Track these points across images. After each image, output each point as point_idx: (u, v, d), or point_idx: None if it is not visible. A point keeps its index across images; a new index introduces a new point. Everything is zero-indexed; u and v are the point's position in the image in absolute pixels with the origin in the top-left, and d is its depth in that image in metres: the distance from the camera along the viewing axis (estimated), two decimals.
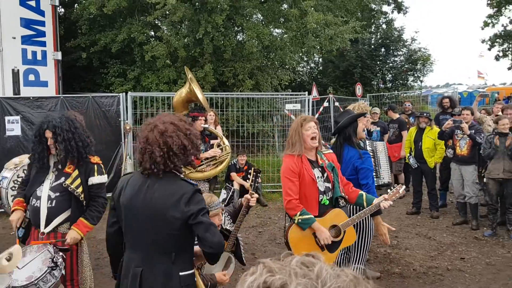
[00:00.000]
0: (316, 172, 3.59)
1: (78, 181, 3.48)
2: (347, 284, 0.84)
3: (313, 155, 3.67)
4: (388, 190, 3.76)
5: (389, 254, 5.95)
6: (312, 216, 3.49)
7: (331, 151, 3.96)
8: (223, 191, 8.73)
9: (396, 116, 9.46)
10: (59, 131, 3.42)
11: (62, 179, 3.48)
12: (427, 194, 7.82)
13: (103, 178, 3.61)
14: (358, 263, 4.10)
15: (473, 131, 6.81)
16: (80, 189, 3.46)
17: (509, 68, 27.99)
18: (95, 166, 3.58)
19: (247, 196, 3.58)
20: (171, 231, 2.45)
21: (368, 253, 5.94)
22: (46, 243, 3.34)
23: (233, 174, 8.73)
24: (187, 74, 6.01)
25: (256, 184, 3.71)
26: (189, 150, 2.55)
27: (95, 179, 3.54)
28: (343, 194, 3.66)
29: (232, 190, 8.55)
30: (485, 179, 6.69)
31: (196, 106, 5.95)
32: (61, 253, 3.27)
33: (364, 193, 3.75)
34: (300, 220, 3.47)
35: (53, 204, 3.44)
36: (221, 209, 3.40)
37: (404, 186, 3.80)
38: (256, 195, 3.63)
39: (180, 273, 2.52)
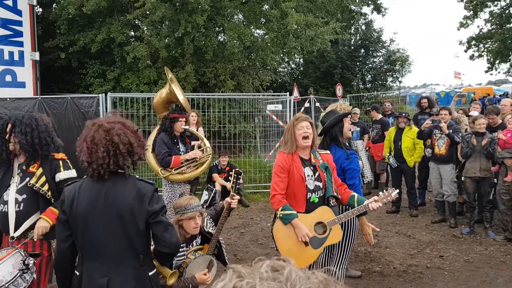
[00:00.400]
0: (307, 171, 3.65)
1: (43, 179, 3.41)
2: (316, 286, 0.86)
3: (306, 154, 3.73)
4: (380, 193, 3.78)
5: (370, 253, 6.02)
6: (295, 212, 3.55)
7: (329, 152, 3.99)
8: (205, 192, 8.70)
9: (379, 116, 9.57)
10: (18, 123, 3.39)
11: (27, 179, 3.41)
12: (407, 193, 7.93)
13: (71, 173, 3.55)
14: (341, 263, 4.13)
15: (451, 130, 6.94)
16: (46, 187, 3.40)
17: (486, 71, 28.67)
18: (60, 161, 3.54)
19: (228, 199, 3.58)
20: (139, 232, 2.42)
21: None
22: (17, 247, 3.27)
23: (215, 175, 8.72)
24: (167, 75, 5.97)
25: (237, 186, 3.72)
26: (136, 147, 2.50)
27: (62, 175, 3.49)
28: (335, 194, 3.71)
29: (214, 191, 8.53)
30: (462, 178, 6.82)
31: (176, 107, 5.89)
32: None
33: (356, 195, 3.79)
34: (281, 214, 3.55)
35: (21, 208, 3.36)
36: (199, 211, 3.38)
37: (397, 190, 3.81)
38: (237, 197, 3.64)
39: (149, 273, 2.52)
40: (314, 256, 3.69)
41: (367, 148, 9.60)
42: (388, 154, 8.05)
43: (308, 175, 3.64)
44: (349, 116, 4.66)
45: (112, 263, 2.41)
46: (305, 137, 3.62)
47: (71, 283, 2.55)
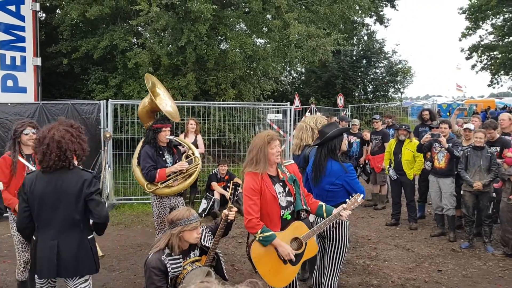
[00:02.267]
0: (277, 188, 3.59)
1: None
2: None
3: (273, 170, 3.66)
4: (347, 200, 3.78)
5: (368, 266, 5.98)
6: (273, 232, 3.48)
7: (292, 162, 3.95)
8: (204, 200, 8.67)
9: (380, 127, 9.56)
10: None
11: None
12: (406, 205, 7.90)
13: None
14: (333, 275, 4.09)
15: (451, 144, 6.93)
16: None
17: (488, 85, 28.78)
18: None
19: (225, 211, 3.56)
20: (79, 207, 3.24)
21: (346, 264, 5.99)
22: None
23: (214, 184, 8.70)
24: (147, 82, 5.67)
25: (235, 198, 3.69)
26: (78, 151, 3.32)
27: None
28: (304, 206, 3.69)
29: (212, 199, 8.50)
30: (462, 192, 6.79)
31: (161, 116, 5.62)
32: None
33: (323, 204, 3.78)
34: (261, 237, 3.46)
35: None
36: (199, 222, 3.37)
37: (362, 195, 3.81)
38: (235, 209, 3.62)
39: (88, 237, 3.36)
40: (294, 273, 3.63)
41: (366, 161, 9.58)
42: (388, 166, 8.03)
43: (279, 192, 3.58)
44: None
45: (60, 230, 3.23)
46: (278, 155, 3.59)
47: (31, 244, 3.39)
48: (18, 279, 4.50)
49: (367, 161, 9.56)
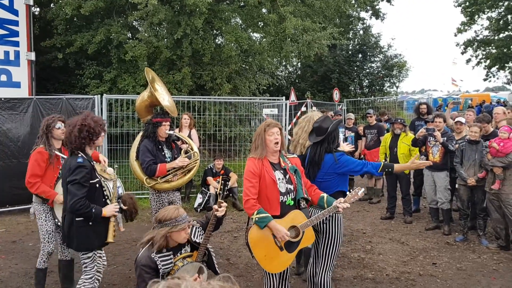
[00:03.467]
0: (278, 174, 3.72)
1: None
2: None
3: (275, 158, 3.81)
4: (347, 192, 3.83)
5: (363, 259, 6.00)
6: (269, 215, 3.58)
7: (295, 155, 4.07)
8: (199, 195, 8.67)
9: (374, 121, 9.57)
10: None
11: None
12: (401, 199, 7.93)
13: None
14: (326, 270, 4.10)
15: (445, 138, 6.94)
16: None
17: (484, 79, 28.84)
18: None
19: (215, 206, 3.55)
20: (65, 191, 3.72)
21: (342, 258, 6.01)
22: None
23: (210, 179, 8.70)
24: (147, 76, 5.65)
25: (225, 193, 3.71)
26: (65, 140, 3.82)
27: None
28: (305, 195, 3.79)
29: (208, 194, 8.50)
30: (456, 185, 6.82)
31: (160, 110, 5.60)
32: None
33: (325, 195, 3.85)
34: (257, 218, 3.57)
35: None
36: (187, 221, 3.35)
37: (362, 189, 3.83)
38: (225, 204, 3.61)
39: (76, 219, 3.68)
40: (289, 260, 3.73)
41: (362, 155, 9.59)
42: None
43: (279, 178, 3.71)
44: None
45: (64, 209, 3.80)
46: (276, 142, 3.71)
47: None
48: (38, 267, 4.72)
49: (362, 156, 9.58)
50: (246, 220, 7.79)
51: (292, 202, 3.75)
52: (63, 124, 4.59)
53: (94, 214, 3.63)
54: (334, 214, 4.02)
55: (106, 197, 3.87)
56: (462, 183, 6.63)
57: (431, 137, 7.13)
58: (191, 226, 3.48)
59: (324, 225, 4.05)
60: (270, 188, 3.65)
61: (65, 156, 4.54)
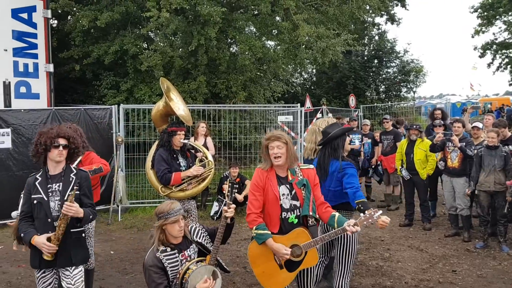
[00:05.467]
0: (282, 189, 3.55)
1: None
2: None
3: (283, 171, 3.62)
4: (361, 214, 3.60)
5: (381, 267, 5.92)
6: (269, 232, 3.45)
7: (312, 166, 3.82)
8: (215, 203, 8.69)
9: (390, 127, 9.48)
10: None
11: None
12: (419, 206, 7.84)
13: None
14: (344, 277, 4.06)
15: (464, 143, 6.84)
16: None
17: (510, 84, 28.40)
18: None
19: (224, 207, 3.54)
20: None
21: (360, 266, 5.94)
22: None
23: (225, 187, 8.68)
24: (163, 86, 5.67)
25: (232, 195, 3.64)
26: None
27: None
28: (311, 213, 3.53)
29: (224, 202, 8.48)
30: (476, 192, 6.70)
31: (176, 119, 5.66)
32: None
33: (336, 215, 3.60)
34: (255, 234, 3.47)
35: None
36: (179, 215, 3.36)
37: (380, 211, 3.59)
38: (233, 206, 3.56)
39: (71, 230, 3.40)
40: (288, 280, 3.56)
41: (378, 162, 9.50)
42: (400, 167, 7.96)
43: (283, 194, 3.53)
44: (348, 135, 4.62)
45: None
46: (276, 157, 3.53)
47: None
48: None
49: (379, 162, 9.49)
50: None
51: (296, 221, 3.54)
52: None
53: (24, 239, 3.38)
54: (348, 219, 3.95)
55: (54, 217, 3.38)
56: (482, 189, 6.51)
57: (450, 142, 7.04)
58: (183, 219, 3.45)
59: None
60: (272, 203, 3.50)
61: None
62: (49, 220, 3.34)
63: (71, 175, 3.46)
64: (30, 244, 3.29)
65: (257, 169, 3.65)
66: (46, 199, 3.35)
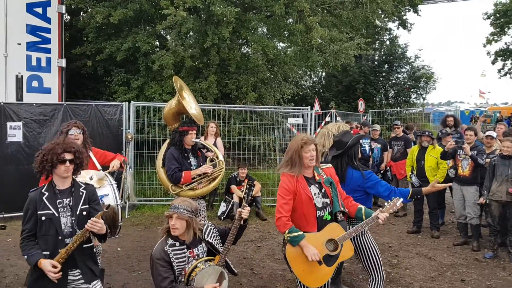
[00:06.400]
0: (313, 189, 3.65)
1: None
2: None
3: (310, 172, 3.73)
4: (385, 204, 3.74)
5: (389, 274, 5.88)
6: (301, 233, 3.53)
7: (330, 165, 3.98)
8: (223, 203, 8.68)
9: (401, 133, 9.44)
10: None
11: None
12: (428, 213, 7.78)
13: None
14: (379, 281, 4.10)
15: (475, 152, 6.79)
16: None
17: None
18: None
19: (239, 209, 3.53)
20: None
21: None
22: None
23: (233, 187, 8.69)
24: (176, 84, 5.68)
25: (249, 197, 3.63)
26: None
27: None
28: (342, 208, 3.71)
29: (231, 203, 8.50)
30: (487, 201, 6.64)
31: (187, 118, 5.66)
32: None
33: (363, 207, 3.79)
34: (288, 237, 3.53)
35: None
36: (172, 212, 3.37)
37: (401, 199, 3.77)
38: (248, 208, 3.56)
39: (83, 246, 3.24)
40: (328, 274, 3.66)
41: (387, 168, 9.45)
42: (410, 173, 7.91)
43: (315, 194, 3.64)
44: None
45: None
46: (311, 159, 3.65)
47: None
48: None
49: (388, 168, 9.44)
50: (269, 229, 7.77)
51: (329, 217, 3.68)
52: (78, 129, 4.63)
53: (28, 261, 3.16)
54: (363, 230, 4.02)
55: (66, 233, 3.23)
56: (493, 199, 6.45)
57: (461, 150, 6.98)
58: (175, 215, 3.39)
59: (356, 241, 4.10)
60: (306, 204, 3.59)
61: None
62: (59, 237, 3.16)
63: (81, 189, 3.36)
64: (34, 266, 3.10)
65: (284, 174, 3.67)
66: (57, 215, 3.17)
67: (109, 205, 3.30)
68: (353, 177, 4.10)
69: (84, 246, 3.29)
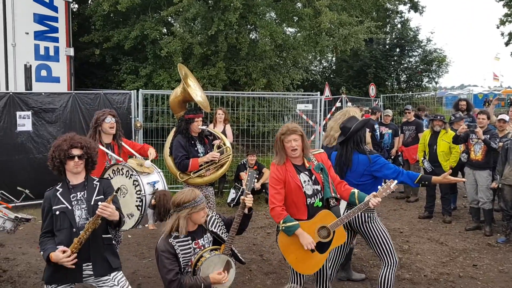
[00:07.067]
0: (302, 177, 3.65)
1: None
2: None
3: (299, 160, 3.72)
4: (379, 186, 3.69)
5: (400, 259, 5.81)
6: (296, 222, 3.54)
7: (322, 150, 3.98)
8: (232, 190, 8.68)
9: (412, 118, 9.31)
10: None
11: None
12: (440, 198, 7.69)
13: None
14: (391, 266, 4.05)
15: (488, 136, 6.66)
16: None
17: None
18: None
19: (242, 197, 3.48)
20: None
21: (378, 257, 5.86)
22: None
23: (242, 174, 8.67)
24: (180, 72, 5.66)
25: (252, 185, 3.58)
26: None
27: None
28: (333, 194, 3.70)
29: (241, 190, 8.48)
30: (500, 185, 6.52)
31: (194, 106, 5.65)
32: None
33: (356, 191, 3.75)
34: (283, 227, 3.55)
35: None
36: (205, 202, 3.32)
37: (395, 181, 3.70)
38: (250, 196, 3.50)
39: (103, 235, 3.29)
40: (321, 260, 3.69)
41: (399, 153, 9.33)
42: (422, 158, 7.80)
43: (304, 181, 3.64)
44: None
45: None
46: (293, 149, 3.61)
47: None
48: None
49: (399, 153, 9.33)
50: None
51: (320, 204, 3.68)
52: (113, 118, 4.63)
53: (43, 257, 3.15)
54: (371, 215, 4.01)
55: (80, 226, 3.20)
56: (506, 183, 6.34)
57: (473, 134, 6.85)
58: (212, 213, 3.45)
59: (364, 227, 4.04)
60: (296, 193, 3.60)
61: (112, 153, 4.60)
62: (74, 230, 3.15)
63: (94, 182, 3.38)
64: (48, 260, 3.09)
65: (273, 164, 3.71)
66: (70, 208, 3.19)
67: (118, 188, 3.33)
68: (359, 161, 4.05)
69: (103, 236, 3.30)
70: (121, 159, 4.63)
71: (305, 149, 3.69)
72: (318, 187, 3.68)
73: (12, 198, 4.82)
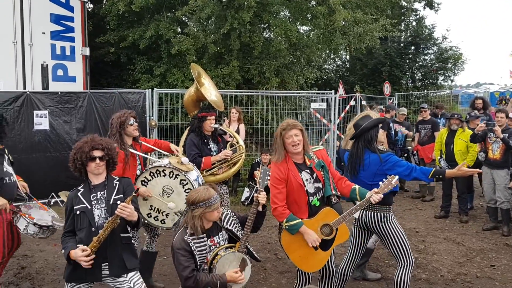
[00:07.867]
0: (304, 175, 3.63)
1: None
2: None
3: (299, 158, 3.69)
4: (380, 182, 3.65)
5: (416, 259, 5.76)
6: (299, 220, 3.54)
7: (321, 147, 3.95)
8: (246, 189, 8.69)
9: (428, 116, 9.21)
10: None
11: None
12: (457, 197, 7.62)
13: None
14: (407, 267, 4.01)
15: (506, 134, 6.56)
16: None
17: None
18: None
19: (255, 194, 3.48)
20: None
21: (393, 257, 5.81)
22: None
23: (256, 172, 8.67)
24: (193, 72, 5.70)
25: (265, 182, 3.57)
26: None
27: None
28: (333, 192, 3.68)
29: (255, 188, 8.48)
30: None
31: (207, 104, 5.64)
32: None
33: (357, 187, 3.73)
34: (287, 226, 3.54)
35: None
36: (219, 201, 3.30)
37: (397, 177, 3.66)
38: (264, 193, 3.49)
39: (121, 234, 3.33)
40: (325, 258, 3.69)
41: (414, 152, 9.24)
42: (439, 157, 7.72)
43: (306, 180, 3.62)
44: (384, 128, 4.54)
45: None
46: (294, 145, 3.58)
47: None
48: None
49: (415, 152, 9.24)
50: None
51: (318, 203, 3.65)
52: (135, 120, 4.59)
53: (64, 256, 3.22)
54: (387, 215, 3.99)
55: (99, 225, 3.25)
56: None
57: (491, 133, 6.75)
58: (227, 211, 3.45)
59: (380, 227, 4.02)
60: (298, 191, 3.58)
61: (140, 153, 4.61)
62: (93, 229, 3.21)
63: (114, 181, 3.43)
64: (68, 258, 3.16)
65: (274, 163, 3.68)
66: (89, 207, 3.26)
67: (137, 189, 3.39)
68: (371, 161, 3.99)
69: (122, 235, 3.33)
70: (152, 157, 4.73)
71: (306, 145, 3.67)
72: (320, 185, 3.67)
73: (31, 195, 4.80)
